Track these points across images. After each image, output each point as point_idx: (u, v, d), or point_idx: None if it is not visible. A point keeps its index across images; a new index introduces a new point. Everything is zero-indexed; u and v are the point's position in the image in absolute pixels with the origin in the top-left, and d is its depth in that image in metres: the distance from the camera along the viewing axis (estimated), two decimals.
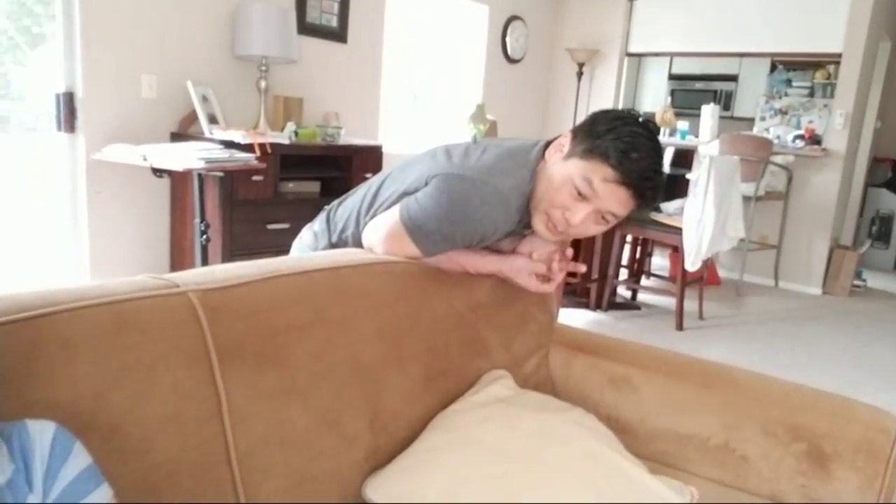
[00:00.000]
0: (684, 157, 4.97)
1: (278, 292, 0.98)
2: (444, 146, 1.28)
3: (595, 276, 4.08)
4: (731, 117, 7.02)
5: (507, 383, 1.27)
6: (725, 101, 7.20)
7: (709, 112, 5.22)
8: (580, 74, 5.54)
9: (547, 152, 1.21)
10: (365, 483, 1.01)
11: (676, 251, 4.01)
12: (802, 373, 3.21)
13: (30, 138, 2.84)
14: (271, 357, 0.93)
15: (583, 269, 1.32)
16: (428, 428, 1.12)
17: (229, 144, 2.78)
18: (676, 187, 4.29)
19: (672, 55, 6.65)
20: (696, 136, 5.35)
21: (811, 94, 6.51)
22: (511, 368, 1.34)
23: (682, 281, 3.78)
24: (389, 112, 4.38)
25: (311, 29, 3.63)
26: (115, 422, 0.75)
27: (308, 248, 1.39)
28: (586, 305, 4.10)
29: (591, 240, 3.99)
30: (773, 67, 6.88)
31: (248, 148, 2.79)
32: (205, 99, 3.01)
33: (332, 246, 1.35)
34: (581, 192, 1.12)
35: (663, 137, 5.42)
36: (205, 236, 2.67)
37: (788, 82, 6.76)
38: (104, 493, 0.62)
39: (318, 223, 1.40)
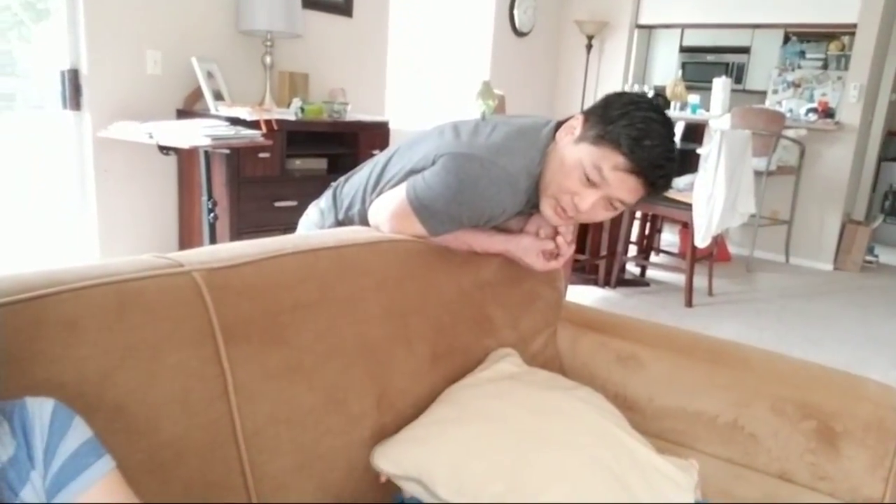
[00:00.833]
0: (695, 132, 4.91)
1: (283, 271, 0.98)
2: (453, 123, 1.26)
3: (604, 252, 4.06)
4: (743, 90, 6.92)
5: (515, 360, 1.26)
6: (737, 73, 7.09)
7: (720, 85, 5.14)
8: (589, 47, 5.45)
9: (558, 134, 1.19)
10: (373, 450, 1.01)
11: (686, 227, 3.98)
12: (813, 350, 3.19)
13: (36, 116, 2.83)
14: (277, 336, 0.92)
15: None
16: (436, 401, 1.12)
17: (235, 121, 2.76)
18: (687, 162, 4.24)
19: (683, 27, 6.54)
20: (707, 110, 5.28)
21: (825, 67, 6.40)
22: (518, 346, 1.33)
23: (692, 257, 3.75)
24: (396, 87, 4.33)
25: (316, 2, 3.57)
26: (121, 402, 0.75)
27: (314, 225, 1.38)
28: (595, 282, 4.09)
29: None
30: (787, 39, 6.76)
31: (253, 125, 2.77)
32: (210, 75, 2.99)
33: (339, 223, 1.34)
34: (590, 179, 1.10)
35: (674, 112, 5.35)
36: (212, 214, 2.67)
37: (802, 54, 6.64)
38: (105, 464, 0.62)
39: (324, 200, 1.39)
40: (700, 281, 3.92)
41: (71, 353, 0.72)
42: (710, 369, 1.31)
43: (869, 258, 5.02)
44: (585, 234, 4.05)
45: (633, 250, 4.38)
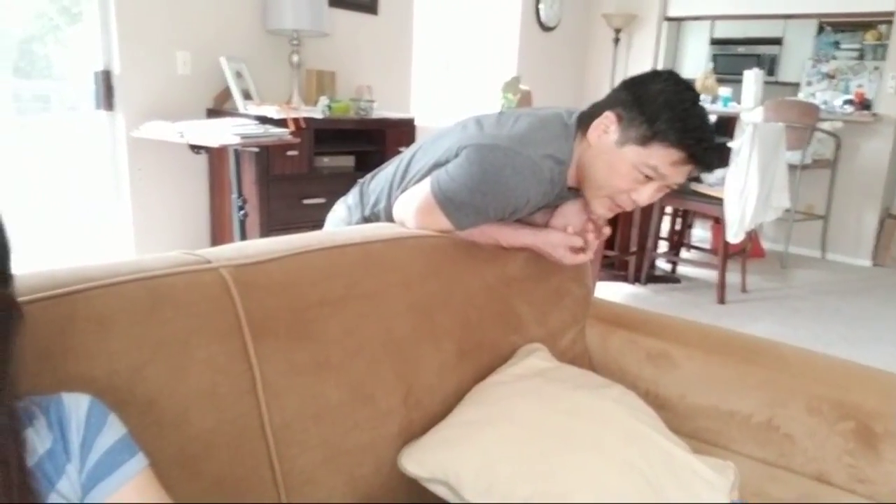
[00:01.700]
0: (727, 125, 4.82)
1: (309, 267, 0.98)
2: (475, 117, 1.25)
3: (633, 248, 4.01)
4: (776, 82, 6.76)
5: (545, 355, 1.25)
6: (769, 65, 6.92)
7: (752, 77, 5.03)
8: (617, 41, 5.38)
9: (589, 133, 1.17)
10: (401, 452, 1.01)
11: (718, 222, 3.91)
12: (850, 349, 3.11)
13: (71, 117, 2.89)
14: (303, 332, 0.93)
15: (608, 231, 1.30)
16: (465, 400, 1.11)
17: (264, 120, 2.79)
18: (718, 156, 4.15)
19: (713, 18, 6.41)
20: (739, 103, 5.17)
21: (861, 57, 6.22)
22: (546, 343, 1.32)
23: (724, 253, 3.68)
24: (422, 84, 4.33)
25: (342, 1, 3.58)
26: (152, 396, 0.76)
27: (342, 221, 1.39)
28: (624, 279, 4.04)
29: (630, 211, 3.92)
30: (821, 29, 6.58)
31: (282, 123, 2.79)
32: (238, 74, 3.02)
33: (365, 219, 1.34)
34: (647, 177, 1.13)
35: (705, 105, 5.24)
36: (242, 211, 2.70)
37: (836, 44, 6.46)
38: (138, 462, 0.63)
39: (351, 197, 1.40)
40: (733, 277, 3.85)
41: (102, 348, 0.73)
42: (743, 367, 1.28)
43: None
44: (615, 230, 4.00)
45: (663, 246, 4.31)
